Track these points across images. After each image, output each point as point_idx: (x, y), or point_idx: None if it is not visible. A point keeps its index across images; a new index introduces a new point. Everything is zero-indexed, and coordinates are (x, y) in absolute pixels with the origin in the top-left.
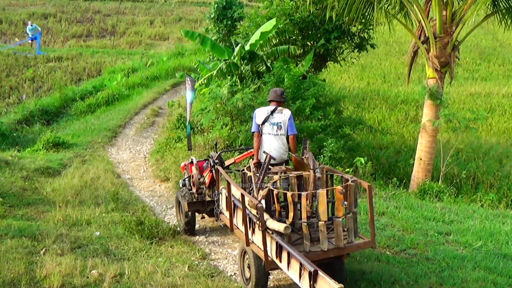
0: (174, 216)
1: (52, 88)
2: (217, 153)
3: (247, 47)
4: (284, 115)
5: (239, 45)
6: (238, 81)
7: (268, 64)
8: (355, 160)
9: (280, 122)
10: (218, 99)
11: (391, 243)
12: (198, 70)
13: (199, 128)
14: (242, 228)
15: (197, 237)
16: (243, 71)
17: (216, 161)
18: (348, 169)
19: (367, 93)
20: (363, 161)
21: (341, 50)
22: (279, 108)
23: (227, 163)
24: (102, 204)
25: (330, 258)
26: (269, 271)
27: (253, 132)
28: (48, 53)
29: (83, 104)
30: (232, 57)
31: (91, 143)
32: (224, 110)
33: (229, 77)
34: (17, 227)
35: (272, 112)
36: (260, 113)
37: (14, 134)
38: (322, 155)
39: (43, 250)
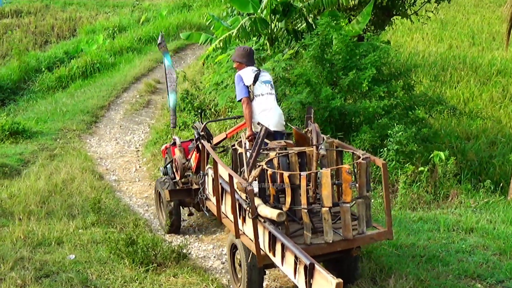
0: (178, 234)
1: (7, 54)
2: (202, 123)
3: None
4: (269, 74)
5: None
6: (268, 44)
7: (310, 20)
8: (432, 155)
9: (270, 81)
10: None
11: (483, 271)
12: (211, 28)
13: (212, 110)
14: (232, 217)
15: (211, 262)
16: (275, 30)
17: (202, 133)
18: (422, 168)
19: (449, 61)
20: (443, 157)
21: (412, 0)
22: (262, 69)
23: (217, 139)
24: (79, 216)
25: (338, 252)
26: (265, 270)
27: (241, 98)
28: (2, 5)
29: (51, 76)
30: (259, 11)
31: (62, 131)
32: None
33: (254, 39)
34: None
35: (259, 70)
36: (246, 74)
37: None
38: (386, 148)
39: None
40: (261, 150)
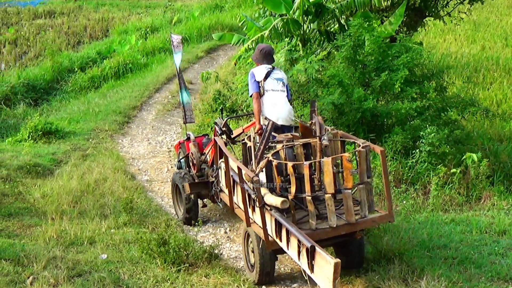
0: (209, 234)
1: (41, 54)
2: (223, 119)
3: None
4: (283, 73)
5: None
6: (300, 45)
7: (342, 22)
8: (464, 157)
9: (283, 79)
10: None
11: None
12: (244, 29)
13: (244, 110)
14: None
15: (242, 262)
16: (307, 31)
17: (224, 129)
18: (454, 169)
19: (482, 62)
20: (475, 158)
21: (445, 1)
22: (276, 67)
23: (234, 133)
24: (111, 215)
25: (342, 236)
26: (276, 255)
27: (251, 94)
28: (36, 5)
29: (84, 77)
30: (291, 11)
31: (95, 131)
32: None
33: (287, 40)
34: None
35: (272, 68)
36: (258, 70)
37: None
38: (418, 149)
39: (30, 278)
40: (269, 143)
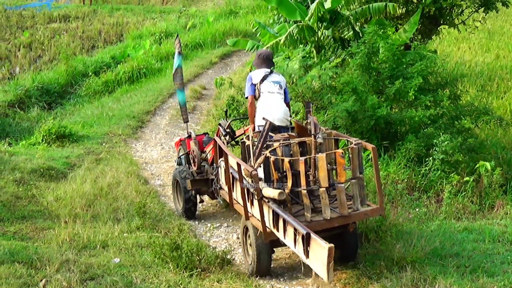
0: (222, 239)
1: (55, 58)
2: (227, 121)
3: (327, 5)
4: (281, 77)
5: (316, 0)
6: (315, 52)
7: (357, 29)
8: (477, 165)
9: (280, 82)
10: (286, 76)
11: None
12: (257, 35)
13: None
14: (242, 202)
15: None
16: (322, 38)
17: (228, 130)
18: (467, 178)
19: (496, 71)
20: (489, 167)
21: (460, 10)
22: (275, 71)
23: (237, 134)
24: (123, 220)
25: (336, 228)
26: (273, 248)
27: (247, 96)
28: (51, 9)
29: (98, 81)
30: (306, 18)
31: (108, 135)
32: (294, 92)
33: (301, 46)
34: (8, 249)
35: (270, 72)
36: (256, 74)
37: (4, 121)
38: (431, 157)
39: (43, 281)
40: (266, 142)
